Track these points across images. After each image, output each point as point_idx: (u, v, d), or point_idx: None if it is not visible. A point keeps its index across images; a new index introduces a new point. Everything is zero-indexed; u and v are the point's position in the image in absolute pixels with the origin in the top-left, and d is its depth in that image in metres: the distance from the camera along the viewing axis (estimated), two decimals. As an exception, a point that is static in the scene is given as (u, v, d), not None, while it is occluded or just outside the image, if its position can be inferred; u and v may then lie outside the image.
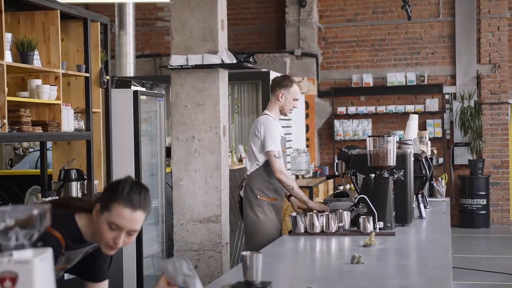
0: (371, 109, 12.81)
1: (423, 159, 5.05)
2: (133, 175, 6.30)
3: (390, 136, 4.41)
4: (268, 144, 5.10)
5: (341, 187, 12.23)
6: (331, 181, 11.27)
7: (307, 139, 12.38)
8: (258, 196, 5.19)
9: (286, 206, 6.90)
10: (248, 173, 5.29)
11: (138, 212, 2.58)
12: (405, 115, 12.58)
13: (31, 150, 8.30)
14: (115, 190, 2.59)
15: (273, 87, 5.35)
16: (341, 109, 12.95)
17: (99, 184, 5.86)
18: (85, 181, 5.57)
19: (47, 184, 5.59)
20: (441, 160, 12.55)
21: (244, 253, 2.74)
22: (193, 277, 2.53)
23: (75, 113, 5.50)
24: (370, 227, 4.17)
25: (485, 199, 12.26)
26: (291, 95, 5.28)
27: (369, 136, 4.45)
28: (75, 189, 5.41)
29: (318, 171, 11.14)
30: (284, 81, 5.30)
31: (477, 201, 12.24)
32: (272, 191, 5.22)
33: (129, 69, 10.50)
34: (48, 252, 1.77)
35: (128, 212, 2.56)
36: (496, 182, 12.58)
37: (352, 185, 12.22)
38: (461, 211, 12.42)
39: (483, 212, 12.28)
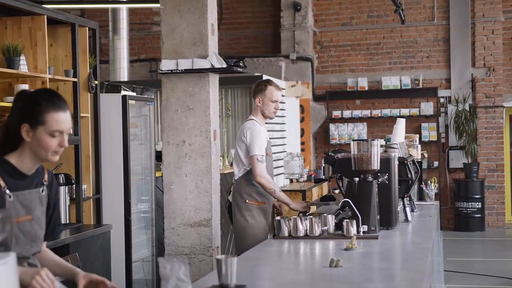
0: (366, 113, 12.83)
1: (409, 163, 5.05)
2: (122, 179, 6.32)
3: (374, 140, 4.43)
4: (253, 148, 5.18)
5: (337, 191, 12.23)
6: (325, 185, 11.27)
7: (303, 143, 12.40)
8: (247, 201, 5.26)
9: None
10: (235, 178, 5.37)
11: (67, 112, 2.74)
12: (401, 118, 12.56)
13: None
14: (38, 104, 2.68)
15: (252, 93, 5.47)
16: (336, 113, 12.96)
17: (87, 189, 5.87)
18: (73, 185, 5.59)
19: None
20: (436, 163, 12.56)
21: (219, 257, 2.76)
22: (186, 284, 2.55)
23: (63, 117, 5.51)
24: (353, 230, 4.18)
25: (480, 203, 12.27)
26: (267, 98, 5.34)
27: (353, 140, 4.47)
28: (63, 194, 5.42)
29: (313, 175, 11.15)
30: (258, 86, 5.40)
31: (472, 204, 12.25)
32: (260, 195, 5.26)
33: (123, 74, 10.52)
34: (11, 256, 1.79)
35: (61, 114, 2.70)
36: (491, 185, 12.59)
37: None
38: (456, 215, 12.42)
39: (478, 215, 12.29)
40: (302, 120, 12.38)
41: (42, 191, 2.82)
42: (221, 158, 7.97)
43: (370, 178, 4.41)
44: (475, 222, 12.27)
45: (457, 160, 12.59)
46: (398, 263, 3.55)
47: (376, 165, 4.39)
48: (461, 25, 12.63)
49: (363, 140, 4.46)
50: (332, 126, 12.94)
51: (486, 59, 12.59)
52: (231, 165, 8.12)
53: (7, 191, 2.66)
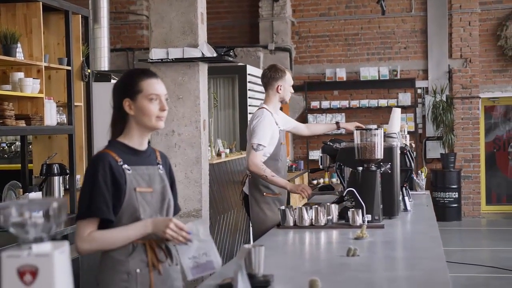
0: (345, 103, 12.87)
1: (408, 152, 5.08)
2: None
3: (377, 129, 4.42)
4: (253, 136, 5.06)
5: (315, 181, 12.28)
6: (306, 175, 11.31)
7: (281, 134, 12.38)
8: (264, 193, 5.13)
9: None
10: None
11: (159, 80, 2.92)
12: (378, 109, 12.68)
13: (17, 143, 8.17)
14: (131, 78, 2.89)
15: (268, 81, 5.30)
16: (314, 104, 12.98)
17: (81, 179, 5.79)
18: (67, 175, 5.50)
19: (28, 179, 5.51)
20: (414, 153, 12.65)
21: (247, 246, 2.73)
22: (208, 242, 2.53)
23: (57, 106, 5.43)
24: (359, 220, 4.19)
25: (456, 193, 12.41)
26: (287, 83, 5.34)
27: (356, 129, 4.46)
28: (57, 184, 5.33)
29: (293, 166, 11.18)
30: (278, 73, 5.29)
31: (449, 194, 12.38)
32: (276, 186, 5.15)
33: (104, 63, 10.37)
34: (66, 245, 1.75)
35: (154, 80, 2.88)
36: (468, 175, 12.74)
37: (327, 179, 12.27)
38: (433, 204, 12.51)
39: (455, 205, 12.43)
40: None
41: (160, 169, 2.93)
42: (208, 148, 7.92)
43: (373, 167, 4.41)
44: (452, 212, 12.41)
45: (434, 150, 12.70)
46: (414, 252, 3.55)
47: (379, 154, 4.39)
48: (438, 16, 12.72)
49: (366, 129, 4.44)
50: (310, 117, 12.95)
51: (463, 50, 12.70)
52: (218, 155, 8.08)
53: (125, 166, 2.81)
